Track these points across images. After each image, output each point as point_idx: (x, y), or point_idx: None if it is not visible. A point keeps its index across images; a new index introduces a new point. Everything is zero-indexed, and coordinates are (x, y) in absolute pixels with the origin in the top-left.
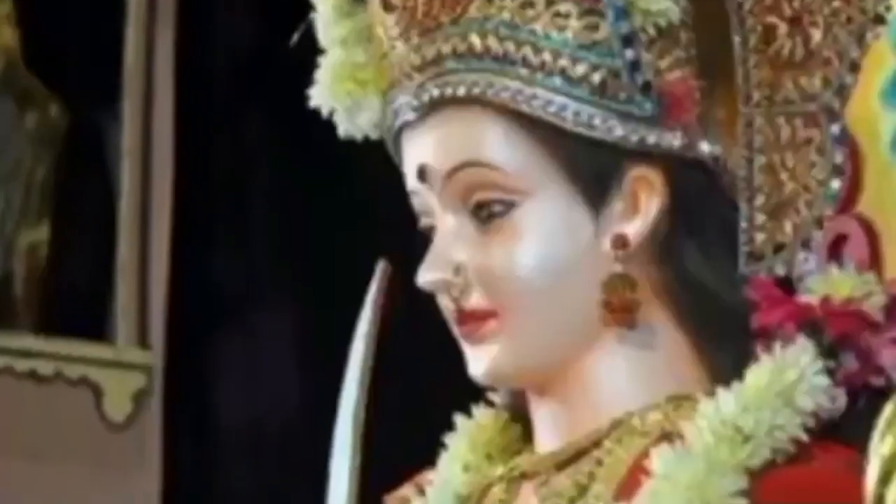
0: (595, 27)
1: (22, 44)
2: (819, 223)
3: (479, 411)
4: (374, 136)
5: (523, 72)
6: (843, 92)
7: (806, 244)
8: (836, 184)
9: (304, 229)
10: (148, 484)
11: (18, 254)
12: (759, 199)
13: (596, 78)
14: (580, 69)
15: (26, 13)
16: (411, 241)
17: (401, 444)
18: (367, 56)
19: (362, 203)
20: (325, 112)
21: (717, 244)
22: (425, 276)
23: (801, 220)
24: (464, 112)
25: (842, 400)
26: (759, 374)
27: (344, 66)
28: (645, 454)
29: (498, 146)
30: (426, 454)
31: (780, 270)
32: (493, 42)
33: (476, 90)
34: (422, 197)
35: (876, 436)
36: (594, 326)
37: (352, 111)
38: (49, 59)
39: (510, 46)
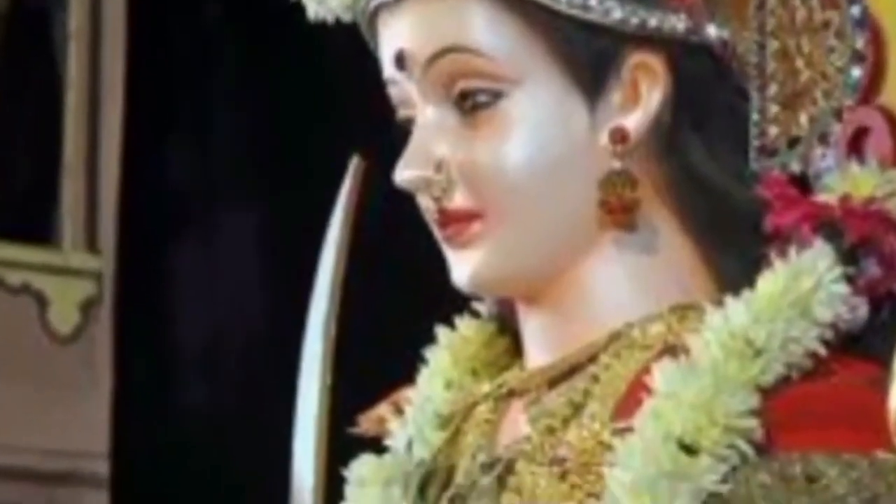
0: None
1: None
2: (838, 115)
3: (463, 322)
4: (346, 18)
5: None
6: None
7: (823, 138)
8: (856, 71)
9: (269, 122)
10: (97, 402)
11: None
12: (772, 89)
13: None
14: None
15: None
16: (387, 134)
17: (376, 359)
18: None
19: (333, 93)
20: None
21: (725, 138)
22: (403, 174)
23: (818, 111)
24: None
25: (863, 310)
26: (771, 281)
27: None
28: (646, 370)
29: (484, 29)
30: (404, 370)
31: (795, 167)
32: None
33: None
34: (400, 86)
35: None
36: (590, 229)
37: None
38: None
39: None
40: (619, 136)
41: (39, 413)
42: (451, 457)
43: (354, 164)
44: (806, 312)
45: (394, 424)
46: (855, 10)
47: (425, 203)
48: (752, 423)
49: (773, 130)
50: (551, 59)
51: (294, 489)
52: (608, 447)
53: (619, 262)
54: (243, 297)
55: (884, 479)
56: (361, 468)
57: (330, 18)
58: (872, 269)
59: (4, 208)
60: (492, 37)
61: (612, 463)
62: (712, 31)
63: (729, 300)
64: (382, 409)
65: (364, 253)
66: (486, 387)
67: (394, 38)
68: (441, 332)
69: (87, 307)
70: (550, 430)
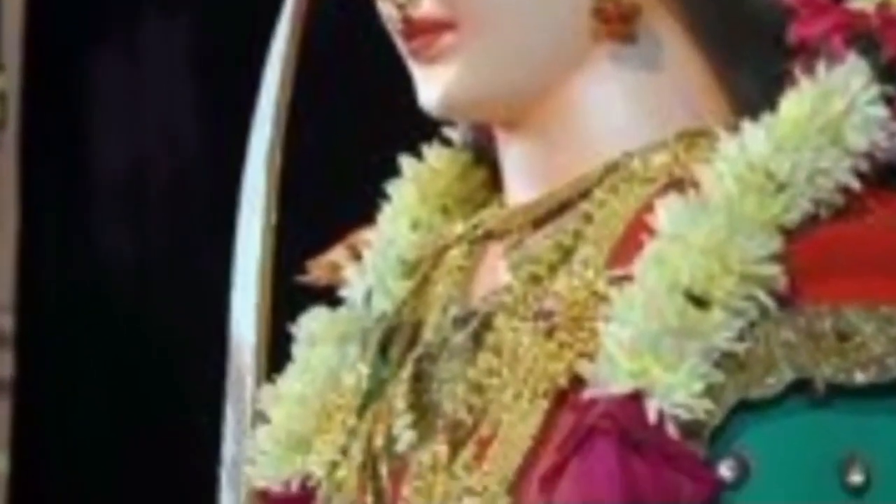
0: None
1: None
2: None
3: (432, 152)
4: None
5: None
6: None
7: None
8: None
9: None
10: (0, 246)
11: None
12: None
13: None
14: None
15: None
16: None
17: (329, 195)
18: None
19: None
20: None
21: None
22: None
23: None
24: None
25: None
26: (796, 103)
27: None
28: (648, 207)
29: None
30: (362, 207)
31: None
32: None
33: None
34: None
35: None
36: (581, 41)
37: None
38: None
39: None
40: None
41: None
42: (418, 310)
43: None
44: (837, 139)
45: (350, 272)
46: None
47: (387, 11)
48: (774, 269)
49: None
50: None
51: (232, 348)
52: (603, 298)
53: (616, 81)
54: (173, 121)
55: None
56: (312, 323)
57: None
58: None
59: None
60: None
61: (607, 317)
62: None
63: (746, 125)
64: (337, 253)
65: (315, 70)
66: (459, 227)
67: None
68: (406, 162)
69: None
70: (535, 279)
